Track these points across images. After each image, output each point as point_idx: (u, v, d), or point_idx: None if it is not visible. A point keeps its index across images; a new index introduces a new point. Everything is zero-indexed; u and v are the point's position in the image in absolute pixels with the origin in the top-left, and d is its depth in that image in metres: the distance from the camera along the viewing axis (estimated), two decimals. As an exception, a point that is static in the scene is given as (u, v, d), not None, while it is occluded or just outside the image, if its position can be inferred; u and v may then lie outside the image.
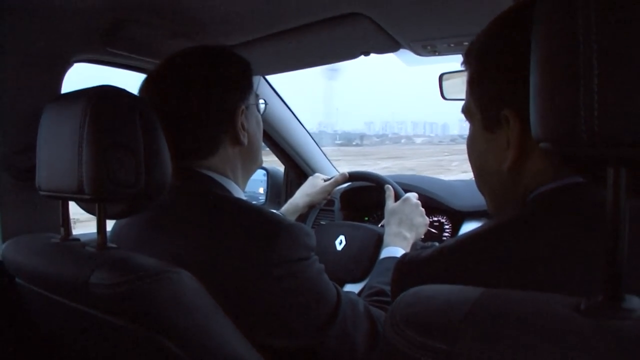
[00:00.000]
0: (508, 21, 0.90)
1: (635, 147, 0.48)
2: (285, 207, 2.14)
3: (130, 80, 1.55)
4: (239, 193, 1.37)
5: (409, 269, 0.89)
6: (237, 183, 1.38)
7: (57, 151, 1.12)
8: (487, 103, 0.93)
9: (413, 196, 1.92)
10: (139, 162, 1.06)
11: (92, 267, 1.01)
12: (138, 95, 1.34)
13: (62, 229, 1.24)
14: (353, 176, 2.28)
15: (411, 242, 1.81)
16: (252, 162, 1.45)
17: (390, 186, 2.01)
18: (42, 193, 1.19)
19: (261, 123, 1.47)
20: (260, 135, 1.46)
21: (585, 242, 0.72)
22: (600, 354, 0.48)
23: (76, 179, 1.05)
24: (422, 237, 2.09)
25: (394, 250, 1.74)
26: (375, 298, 1.46)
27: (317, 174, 2.28)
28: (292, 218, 2.07)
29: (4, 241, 1.40)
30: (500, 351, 0.52)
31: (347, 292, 1.29)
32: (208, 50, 1.38)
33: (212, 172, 1.32)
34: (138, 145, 1.06)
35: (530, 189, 0.88)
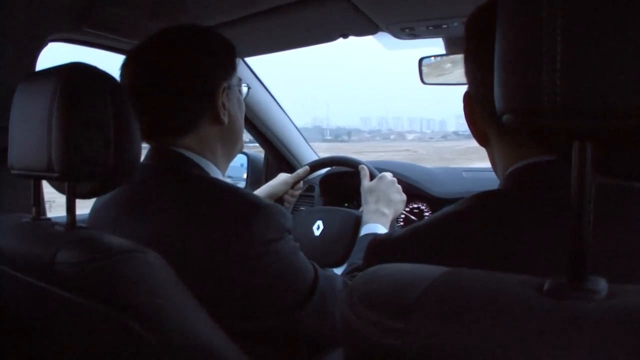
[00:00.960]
0: (484, 4, 0.91)
1: (600, 119, 0.47)
2: None
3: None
4: (216, 174, 1.36)
5: (380, 249, 0.89)
6: (216, 165, 1.37)
7: (28, 129, 1.10)
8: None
9: (388, 174, 1.92)
10: (109, 141, 1.04)
11: (59, 245, 1.00)
12: (120, 71, 1.34)
13: (33, 209, 1.23)
14: (316, 166, 2.29)
15: (390, 218, 1.81)
16: (232, 144, 1.43)
17: (364, 166, 2.01)
18: (13, 172, 1.18)
19: (243, 106, 1.46)
20: (241, 118, 1.45)
21: (552, 222, 0.72)
22: (556, 334, 0.47)
23: (46, 157, 1.03)
24: (402, 219, 2.09)
25: (373, 227, 1.74)
26: (355, 274, 1.46)
27: (281, 174, 2.26)
28: None
29: (-24, 221, 1.38)
30: (455, 329, 0.51)
31: (326, 270, 1.30)
32: (191, 28, 1.37)
33: (190, 151, 1.31)
34: (108, 124, 1.04)
35: (503, 167, 0.89)
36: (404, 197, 1.89)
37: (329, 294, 1.23)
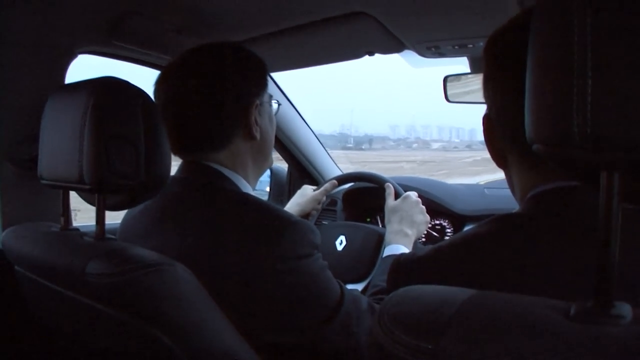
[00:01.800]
0: (504, 28, 0.91)
1: (628, 152, 0.48)
2: None
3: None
4: (247, 189, 1.37)
5: (404, 269, 0.89)
6: (247, 179, 1.38)
7: (59, 141, 1.12)
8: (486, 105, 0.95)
9: (413, 194, 1.92)
10: (139, 154, 1.06)
11: (89, 256, 1.02)
12: (154, 88, 1.36)
13: (62, 219, 1.25)
14: (342, 180, 2.30)
15: (413, 239, 1.81)
16: (263, 160, 1.45)
17: (390, 184, 2.01)
18: (43, 182, 1.20)
19: (274, 122, 1.48)
20: (272, 134, 1.47)
21: (577, 247, 0.73)
22: (583, 358, 0.47)
23: (77, 169, 1.05)
24: (424, 236, 2.09)
25: (396, 248, 1.74)
26: (379, 296, 1.47)
27: (305, 186, 2.27)
28: None
29: (3, 229, 1.41)
30: (484, 353, 0.52)
31: (351, 289, 1.30)
32: (225, 45, 1.39)
33: (222, 166, 1.33)
34: (139, 137, 1.06)
35: (523, 190, 0.90)
36: (427, 217, 1.89)
37: (353, 313, 1.24)
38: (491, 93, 0.90)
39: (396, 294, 0.65)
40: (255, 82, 1.36)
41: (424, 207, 1.90)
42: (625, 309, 0.52)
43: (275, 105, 1.50)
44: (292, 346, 1.19)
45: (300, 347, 1.20)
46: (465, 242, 0.85)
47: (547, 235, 0.78)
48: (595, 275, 0.53)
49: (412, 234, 1.81)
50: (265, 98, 1.40)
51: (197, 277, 1.05)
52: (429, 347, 0.55)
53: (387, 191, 1.98)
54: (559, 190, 0.83)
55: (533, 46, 0.56)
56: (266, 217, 1.19)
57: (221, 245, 1.16)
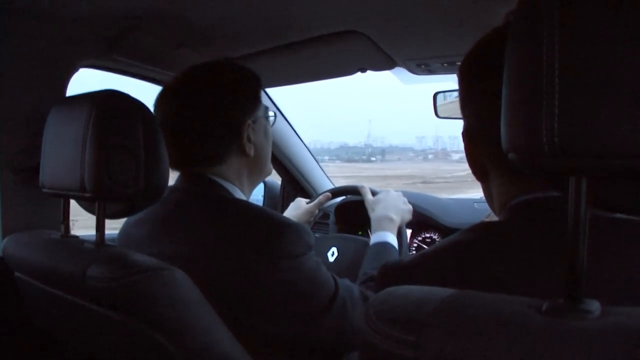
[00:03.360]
0: (480, 43, 0.95)
1: (593, 158, 0.52)
2: None
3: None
4: (241, 197, 1.42)
5: (391, 274, 0.92)
6: (242, 190, 1.43)
7: (61, 151, 1.16)
8: (463, 119, 0.99)
9: (392, 189, 1.97)
10: (139, 163, 1.10)
11: (89, 261, 1.06)
12: (154, 104, 1.41)
13: (62, 226, 1.28)
14: (335, 192, 2.33)
15: (398, 224, 1.84)
16: (258, 173, 1.51)
17: (364, 185, 2.06)
18: (45, 190, 1.23)
19: (270, 135, 1.52)
20: (268, 147, 1.52)
21: (553, 252, 0.77)
22: (555, 350, 0.51)
23: (78, 177, 1.09)
24: (413, 247, 2.11)
25: (382, 234, 1.78)
26: (369, 284, 1.53)
27: (298, 198, 2.30)
28: None
29: (4, 237, 1.43)
30: (461, 344, 0.56)
31: (343, 279, 1.36)
32: (219, 66, 1.44)
33: (219, 177, 1.38)
34: (139, 148, 1.10)
35: (501, 201, 0.93)
36: (410, 207, 1.93)
37: (348, 301, 1.30)
38: (475, 108, 0.93)
39: (382, 293, 0.69)
40: (247, 102, 1.41)
41: (405, 198, 1.94)
42: (593, 305, 0.55)
43: (272, 118, 1.54)
44: (292, 336, 1.25)
45: (299, 336, 1.26)
46: (448, 248, 0.89)
47: (525, 242, 0.81)
48: (565, 273, 0.57)
49: (396, 219, 1.84)
50: (260, 113, 1.45)
51: (199, 282, 1.09)
52: (411, 339, 0.58)
53: (363, 191, 2.03)
54: (536, 200, 0.86)
55: (508, 62, 0.60)
56: (265, 220, 1.25)
57: (222, 248, 1.21)
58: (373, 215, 1.89)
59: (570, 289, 0.56)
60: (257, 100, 1.44)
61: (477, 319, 0.58)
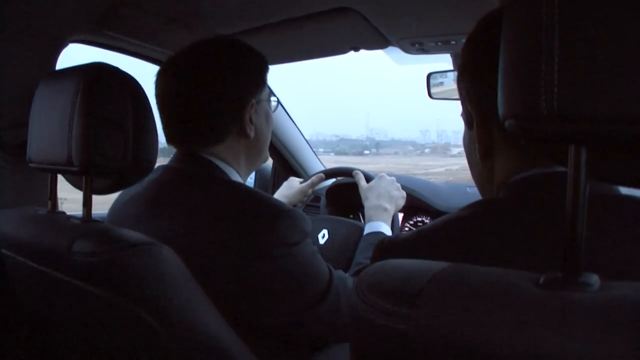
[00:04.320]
0: (484, 22, 0.94)
1: (594, 125, 0.51)
2: None
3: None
4: (238, 180, 1.40)
5: (387, 249, 0.92)
6: (238, 173, 1.41)
7: (48, 125, 1.14)
8: (463, 100, 0.97)
9: (386, 175, 1.96)
10: (128, 138, 1.09)
11: (75, 236, 1.04)
12: (155, 78, 1.39)
13: (49, 203, 1.27)
14: (329, 174, 2.32)
15: (392, 213, 1.84)
16: (256, 156, 1.48)
17: (358, 171, 2.05)
18: (32, 165, 1.22)
19: (271, 119, 1.50)
20: (268, 132, 1.49)
21: (553, 227, 0.76)
22: (552, 321, 0.50)
23: (65, 151, 1.07)
24: (405, 228, 2.11)
25: (376, 225, 1.78)
26: None
27: (291, 178, 2.30)
28: None
29: (-9, 214, 1.42)
30: (456, 315, 0.55)
31: (338, 270, 1.34)
32: (224, 42, 1.41)
33: (216, 158, 1.36)
34: (127, 122, 1.09)
35: (502, 181, 0.92)
36: (403, 193, 1.92)
37: (342, 292, 1.28)
38: (483, 84, 0.90)
39: (374, 266, 0.69)
40: (252, 82, 1.39)
41: (399, 184, 1.93)
42: (592, 278, 0.54)
43: (274, 104, 1.52)
44: (286, 326, 1.23)
45: (293, 327, 1.24)
46: (447, 224, 0.88)
47: (524, 218, 0.81)
48: (564, 246, 0.55)
49: (390, 208, 1.84)
50: (264, 96, 1.42)
51: (190, 262, 1.08)
52: (404, 311, 0.58)
53: (357, 177, 2.02)
54: (535, 176, 0.86)
55: (505, 26, 0.59)
56: (261, 204, 1.22)
57: (216, 231, 1.19)
58: (366, 203, 1.89)
59: (569, 262, 0.55)
60: (262, 81, 1.42)
61: (472, 291, 0.57)
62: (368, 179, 2.01)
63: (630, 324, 0.48)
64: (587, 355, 0.48)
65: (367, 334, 0.63)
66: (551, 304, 0.52)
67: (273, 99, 1.51)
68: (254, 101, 1.37)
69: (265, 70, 1.43)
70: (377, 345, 0.62)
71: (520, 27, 0.57)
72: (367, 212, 1.85)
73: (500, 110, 0.60)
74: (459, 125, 1.05)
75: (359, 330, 0.65)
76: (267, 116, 1.47)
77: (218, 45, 1.39)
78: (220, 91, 1.33)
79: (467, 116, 0.98)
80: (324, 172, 2.32)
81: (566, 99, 0.51)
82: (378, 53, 2.03)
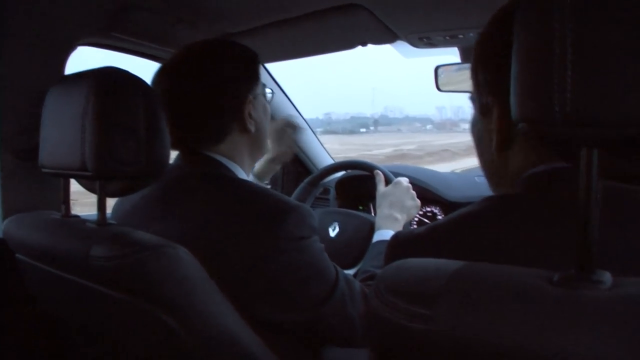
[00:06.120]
0: (502, 14, 0.93)
1: (605, 128, 0.52)
2: (257, 169, 1.98)
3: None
4: (243, 176, 1.41)
5: (401, 245, 0.92)
6: (242, 168, 1.42)
7: (60, 130, 1.14)
8: (480, 90, 0.97)
9: (404, 180, 1.95)
10: (140, 141, 1.09)
11: (92, 241, 1.05)
12: (152, 82, 1.39)
13: (63, 207, 1.27)
14: (335, 168, 2.34)
15: (402, 223, 1.84)
16: (258, 149, 1.50)
17: (379, 171, 2.04)
18: (44, 171, 1.22)
19: (269, 110, 1.52)
20: (267, 123, 1.51)
21: (567, 224, 0.76)
22: (567, 319, 0.51)
23: (79, 157, 1.08)
24: (415, 222, 2.10)
25: (385, 233, 1.77)
26: (369, 283, 1.48)
27: (283, 117, 2.29)
28: (268, 177, 2.04)
29: (4, 218, 1.43)
30: (474, 315, 0.56)
31: (344, 272, 1.34)
32: (218, 44, 1.44)
33: (221, 156, 1.37)
34: (140, 125, 1.09)
35: (517, 172, 0.92)
36: (418, 203, 1.92)
37: (347, 295, 1.27)
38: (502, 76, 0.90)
39: (392, 266, 0.69)
40: (247, 78, 1.40)
41: (414, 192, 1.92)
42: (605, 276, 0.55)
43: (269, 95, 1.53)
44: (290, 326, 1.23)
45: (298, 327, 1.24)
46: (460, 219, 0.88)
47: (540, 214, 0.81)
48: (576, 245, 0.56)
49: (401, 218, 1.84)
50: (259, 90, 1.44)
51: (201, 261, 1.08)
52: (425, 312, 0.59)
53: (377, 178, 2.01)
54: (550, 171, 0.85)
55: (518, 30, 0.60)
56: (269, 200, 1.23)
57: (225, 228, 1.19)
58: (379, 211, 1.89)
59: (582, 260, 0.56)
60: (256, 76, 1.43)
61: (489, 290, 0.58)
62: (387, 181, 2.00)
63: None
64: (603, 353, 0.49)
65: (387, 334, 0.64)
66: (566, 302, 0.53)
67: (267, 90, 1.52)
68: (251, 97, 1.39)
69: (257, 65, 1.45)
70: (398, 345, 0.63)
71: (533, 32, 0.57)
72: (378, 220, 1.85)
73: (514, 112, 0.61)
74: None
75: (379, 330, 0.66)
76: (265, 108, 1.49)
77: (212, 46, 1.41)
78: (219, 90, 1.35)
79: (481, 107, 0.97)
80: (334, 165, 2.31)
81: (579, 104, 0.52)
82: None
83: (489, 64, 0.94)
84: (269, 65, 2.50)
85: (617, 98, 0.51)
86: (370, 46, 2.00)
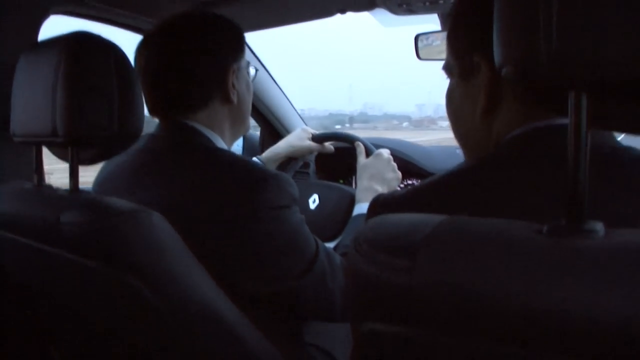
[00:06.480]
0: None
1: (593, 67, 0.49)
2: (265, 154, 2.16)
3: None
4: (223, 146, 1.40)
5: (382, 206, 0.91)
6: (223, 139, 1.42)
7: (32, 97, 1.12)
8: (462, 52, 0.95)
9: (385, 152, 1.94)
10: (113, 107, 1.07)
11: (62, 207, 1.03)
12: (134, 54, 1.40)
13: (35, 176, 1.25)
14: (329, 137, 2.30)
15: None
16: (240, 124, 1.49)
17: (360, 143, 2.03)
18: (16, 139, 1.20)
19: (252, 88, 1.52)
20: (249, 99, 1.50)
21: (554, 178, 0.75)
22: (558, 268, 0.49)
23: (50, 122, 1.06)
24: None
25: (365, 206, 1.75)
26: None
27: (305, 127, 2.29)
28: (272, 166, 2.11)
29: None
30: (458, 266, 0.54)
31: (325, 245, 1.34)
32: (201, 15, 1.44)
33: (201, 125, 1.36)
34: (112, 91, 1.07)
35: (502, 135, 0.90)
36: (398, 174, 1.91)
37: (328, 269, 1.27)
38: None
39: (372, 221, 0.68)
40: (232, 48, 1.40)
41: (395, 164, 1.92)
42: (597, 225, 0.53)
43: (252, 72, 1.53)
44: (270, 297, 1.22)
45: (277, 299, 1.23)
46: (442, 179, 0.87)
47: (526, 169, 0.80)
48: (567, 194, 0.54)
49: (382, 190, 1.83)
50: (243, 64, 1.44)
51: (179, 229, 1.07)
52: (406, 263, 0.57)
53: (358, 149, 2.00)
54: (535, 129, 0.84)
55: None
56: (248, 168, 1.22)
57: (203, 195, 1.19)
58: (359, 184, 1.88)
59: (572, 210, 0.54)
60: (241, 48, 1.43)
61: (475, 241, 0.56)
62: (368, 152, 1.99)
63: (638, 270, 0.47)
64: (595, 301, 0.47)
65: (368, 288, 0.62)
66: (557, 251, 0.51)
67: (252, 68, 1.52)
68: (235, 67, 1.39)
69: (242, 39, 1.45)
70: (379, 298, 0.61)
71: None
72: (358, 193, 1.85)
73: (497, 57, 0.59)
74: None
75: (359, 284, 0.64)
76: (248, 85, 1.48)
77: (196, 17, 1.42)
78: (201, 59, 1.34)
79: (463, 68, 0.96)
80: (327, 135, 2.29)
81: (565, 42, 0.50)
82: (365, 17, 2.01)
83: (472, 19, 0.92)
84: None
85: (606, 35, 0.49)
86: (349, 14, 1.98)
